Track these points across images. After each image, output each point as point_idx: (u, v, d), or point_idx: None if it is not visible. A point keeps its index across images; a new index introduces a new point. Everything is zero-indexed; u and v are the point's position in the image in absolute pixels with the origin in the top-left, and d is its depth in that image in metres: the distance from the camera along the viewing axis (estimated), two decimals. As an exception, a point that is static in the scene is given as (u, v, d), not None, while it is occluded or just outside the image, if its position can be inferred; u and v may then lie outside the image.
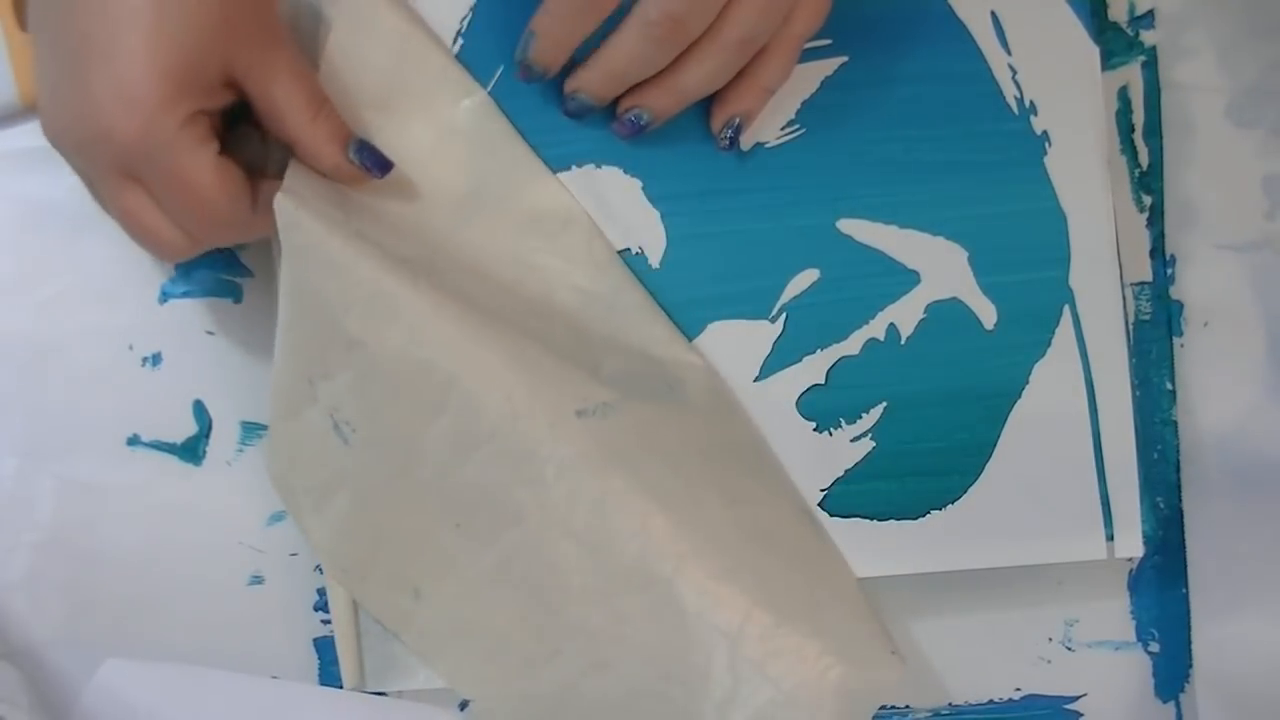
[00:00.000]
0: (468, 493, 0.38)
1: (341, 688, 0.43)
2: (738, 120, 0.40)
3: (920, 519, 0.41)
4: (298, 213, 0.37)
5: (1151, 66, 0.43)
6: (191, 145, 0.36)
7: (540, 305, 0.40)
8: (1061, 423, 0.41)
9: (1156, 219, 0.43)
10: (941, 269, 0.41)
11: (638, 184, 0.41)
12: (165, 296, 0.44)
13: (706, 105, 0.40)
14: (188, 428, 0.44)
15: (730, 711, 0.37)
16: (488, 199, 0.41)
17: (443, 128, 0.41)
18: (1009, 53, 0.42)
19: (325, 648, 0.44)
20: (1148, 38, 0.43)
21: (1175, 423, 0.43)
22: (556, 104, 0.41)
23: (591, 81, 0.39)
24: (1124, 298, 0.42)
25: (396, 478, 0.39)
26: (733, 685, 0.37)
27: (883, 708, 0.44)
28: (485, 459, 0.38)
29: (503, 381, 0.37)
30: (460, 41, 0.42)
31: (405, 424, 0.38)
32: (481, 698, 0.41)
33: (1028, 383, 0.41)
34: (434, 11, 0.41)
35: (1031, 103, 0.41)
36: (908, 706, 0.44)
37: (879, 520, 0.41)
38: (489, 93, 0.41)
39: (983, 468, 0.41)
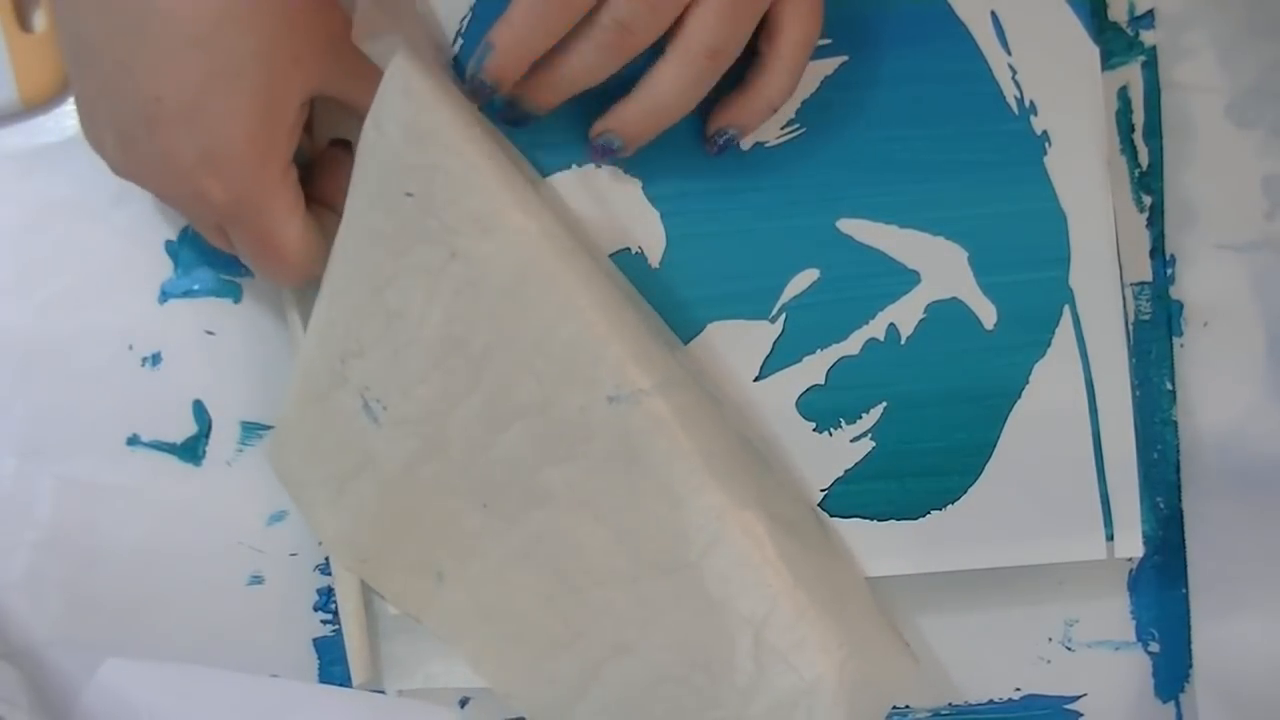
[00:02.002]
0: (496, 472, 0.39)
1: (341, 687, 0.43)
2: (731, 132, 0.39)
3: (920, 519, 0.41)
4: (365, 166, 0.37)
5: (1151, 66, 0.43)
6: (285, 210, 0.36)
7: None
8: (1061, 423, 0.41)
9: (1156, 219, 0.43)
10: (941, 269, 0.41)
11: (638, 184, 0.41)
12: (165, 296, 0.44)
13: (705, 107, 0.41)
14: (188, 428, 0.44)
15: (753, 698, 0.37)
16: None
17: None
18: (1009, 53, 0.42)
19: (325, 647, 0.44)
20: (1148, 38, 0.43)
21: (1175, 423, 0.43)
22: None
23: (537, 90, 0.38)
24: (1124, 298, 0.42)
25: (426, 456, 0.39)
26: (756, 672, 0.37)
27: (883, 708, 0.44)
28: (515, 438, 0.38)
29: (534, 364, 0.37)
30: (460, 42, 0.42)
31: (437, 400, 0.38)
32: (503, 681, 0.41)
33: (1028, 383, 0.41)
34: (434, 12, 0.41)
35: (1031, 103, 0.41)
36: (908, 707, 0.44)
37: (879, 520, 0.41)
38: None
39: (983, 468, 0.41)
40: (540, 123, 0.40)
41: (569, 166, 0.41)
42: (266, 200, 0.36)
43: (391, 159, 0.36)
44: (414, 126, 0.36)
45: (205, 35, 0.33)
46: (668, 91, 0.37)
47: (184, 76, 0.34)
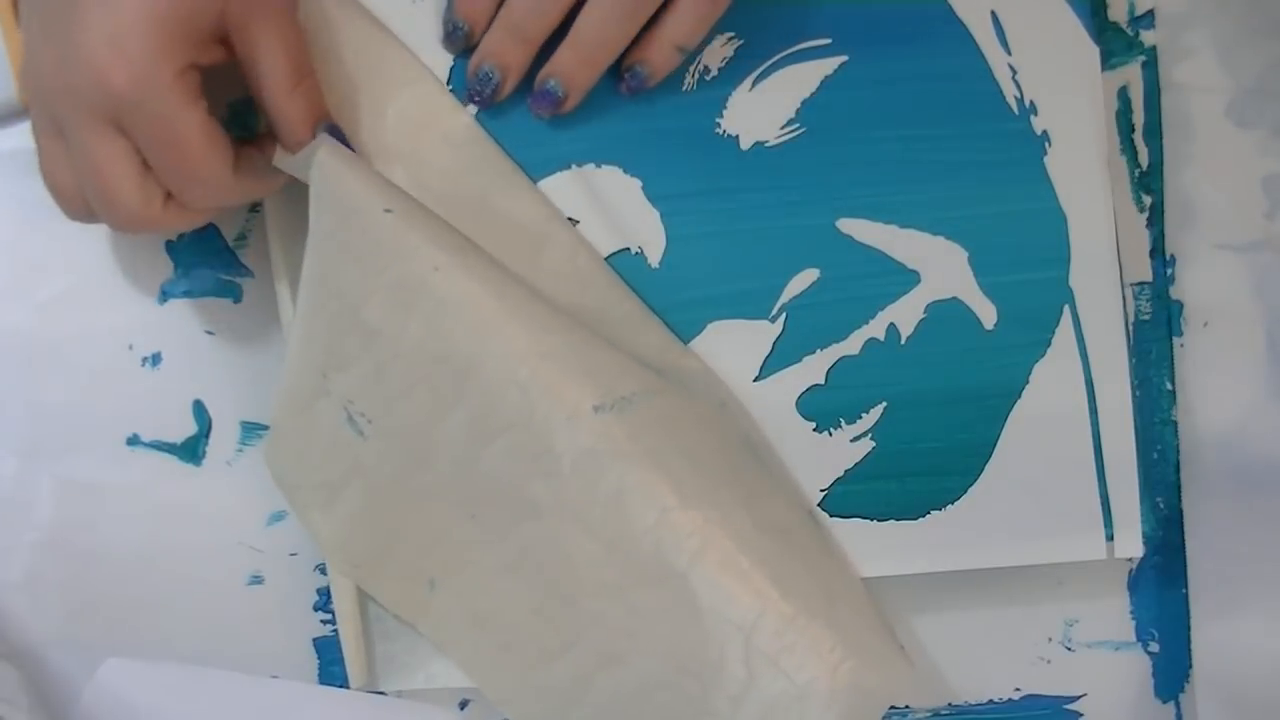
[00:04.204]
0: (484, 484, 0.38)
1: (341, 687, 0.43)
2: (639, 69, 0.40)
3: (920, 519, 0.41)
4: (326, 186, 0.37)
5: (1151, 66, 0.43)
6: (183, 100, 0.35)
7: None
8: (1061, 423, 0.41)
9: (1156, 219, 0.43)
10: (941, 269, 0.41)
11: (637, 184, 0.41)
12: (165, 296, 0.44)
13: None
14: (188, 428, 0.44)
15: (744, 704, 0.37)
16: (468, 211, 0.41)
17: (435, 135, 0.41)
18: (1009, 53, 0.42)
19: (325, 648, 0.44)
20: (1148, 38, 0.43)
21: (1175, 423, 0.43)
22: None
23: (495, 41, 0.39)
24: (1124, 298, 0.42)
25: (412, 469, 0.39)
26: (747, 678, 0.37)
27: (883, 708, 0.44)
28: (501, 451, 0.38)
29: (519, 376, 0.37)
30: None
31: (422, 414, 0.38)
32: (496, 689, 0.41)
33: (1028, 383, 0.41)
34: (433, 13, 0.41)
35: (1031, 103, 0.41)
36: (907, 707, 0.44)
37: (879, 520, 0.41)
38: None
39: (983, 468, 0.41)
40: (534, 124, 0.40)
41: (568, 166, 0.41)
42: (166, 87, 0.35)
43: (364, 176, 0.37)
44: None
45: None
46: (594, 31, 0.38)
47: None
